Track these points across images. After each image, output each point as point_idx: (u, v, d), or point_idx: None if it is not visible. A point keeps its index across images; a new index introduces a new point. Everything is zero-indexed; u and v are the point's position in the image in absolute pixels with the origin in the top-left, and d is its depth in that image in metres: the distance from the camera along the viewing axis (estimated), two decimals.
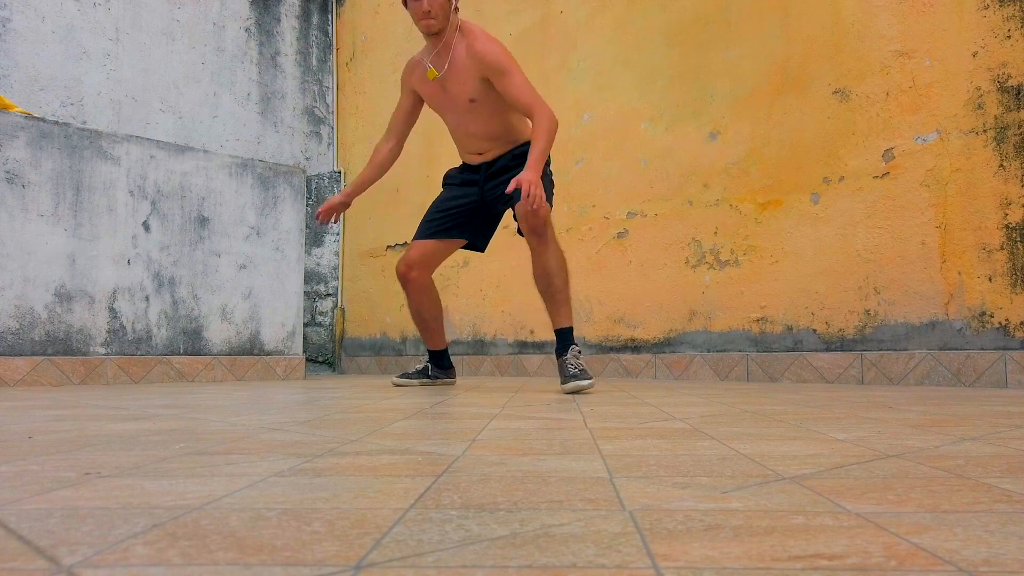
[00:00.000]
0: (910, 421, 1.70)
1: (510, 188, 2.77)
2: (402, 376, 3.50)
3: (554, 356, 3.25)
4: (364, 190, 3.42)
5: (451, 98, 3.13)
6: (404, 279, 3.31)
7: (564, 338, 2.96)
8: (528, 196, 2.74)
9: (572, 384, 2.77)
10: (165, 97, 5.35)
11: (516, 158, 3.15)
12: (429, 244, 3.28)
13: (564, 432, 1.49)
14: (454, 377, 3.57)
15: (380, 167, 3.39)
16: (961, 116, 3.35)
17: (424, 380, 3.47)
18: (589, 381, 2.78)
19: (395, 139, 3.38)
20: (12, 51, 4.70)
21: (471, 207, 3.27)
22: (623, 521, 0.72)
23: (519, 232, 3.03)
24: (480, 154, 3.20)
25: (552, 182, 3.18)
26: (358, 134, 6.13)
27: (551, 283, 2.96)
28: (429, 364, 3.49)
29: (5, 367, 3.57)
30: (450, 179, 3.37)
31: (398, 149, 3.40)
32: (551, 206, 3.07)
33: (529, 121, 3.09)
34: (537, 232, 2.92)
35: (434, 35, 3.07)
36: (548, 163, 3.12)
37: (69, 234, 3.82)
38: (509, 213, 3.22)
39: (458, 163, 3.42)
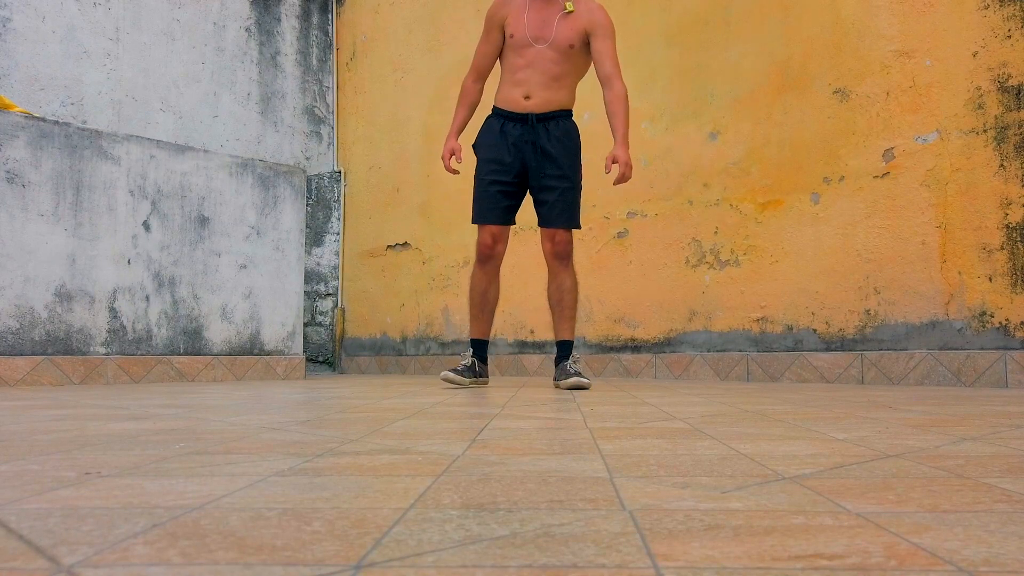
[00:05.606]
0: (910, 421, 1.70)
1: (608, 166, 3.08)
2: (453, 372, 3.19)
3: (552, 355, 3.31)
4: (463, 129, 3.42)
5: (554, 34, 3.21)
6: (491, 253, 3.22)
7: (567, 348, 3.21)
8: (624, 179, 3.11)
9: (573, 380, 3.01)
10: (165, 97, 5.35)
11: (565, 134, 3.24)
12: (502, 229, 3.26)
13: (564, 432, 1.49)
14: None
15: (473, 107, 3.40)
16: (961, 116, 3.35)
17: (475, 380, 3.21)
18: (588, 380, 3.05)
19: (482, 79, 3.40)
20: (12, 51, 4.70)
21: (518, 190, 3.28)
22: (623, 521, 0.72)
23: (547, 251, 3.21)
24: (529, 98, 3.23)
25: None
26: (358, 134, 6.13)
27: (566, 299, 3.21)
28: (475, 360, 3.25)
29: (5, 367, 3.57)
30: (491, 150, 3.26)
31: (482, 89, 3.43)
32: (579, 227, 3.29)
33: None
34: (562, 257, 3.18)
35: None
36: (580, 184, 3.31)
37: (69, 234, 3.82)
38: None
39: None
